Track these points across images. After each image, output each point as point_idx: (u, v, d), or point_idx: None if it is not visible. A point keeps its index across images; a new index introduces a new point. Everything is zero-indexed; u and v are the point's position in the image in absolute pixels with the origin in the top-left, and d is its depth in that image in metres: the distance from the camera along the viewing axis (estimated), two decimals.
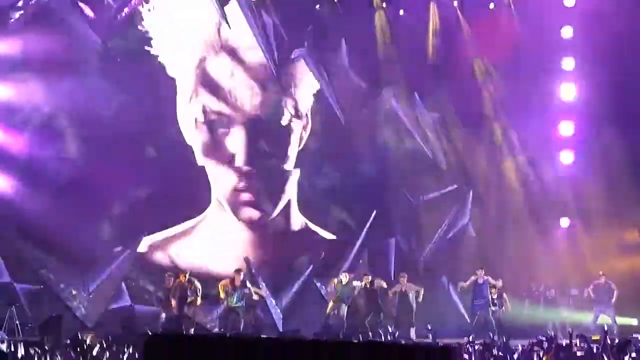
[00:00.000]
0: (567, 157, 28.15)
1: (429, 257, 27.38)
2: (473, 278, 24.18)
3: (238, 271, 23.36)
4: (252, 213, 26.50)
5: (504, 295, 24.36)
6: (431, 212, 27.93)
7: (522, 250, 26.81)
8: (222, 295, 22.93)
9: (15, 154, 23.92)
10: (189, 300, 22.43)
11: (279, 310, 25.76)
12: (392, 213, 27.72)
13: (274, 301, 25.86)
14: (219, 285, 23.00)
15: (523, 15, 27.20)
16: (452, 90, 27.51)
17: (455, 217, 28.07)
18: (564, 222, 28.07)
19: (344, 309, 23.76)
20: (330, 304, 24.09)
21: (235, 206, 26.28)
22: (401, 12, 28.01)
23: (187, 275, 22.72)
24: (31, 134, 24.09)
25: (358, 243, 27.43)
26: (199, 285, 22.62)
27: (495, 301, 24.16)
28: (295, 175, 26.82)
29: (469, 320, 24.64)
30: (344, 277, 24.26)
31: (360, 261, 27.12)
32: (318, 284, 26.51)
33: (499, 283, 24.11)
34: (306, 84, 26.93)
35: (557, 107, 28.14)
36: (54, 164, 24.29)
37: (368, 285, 24.30)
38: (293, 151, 26.77)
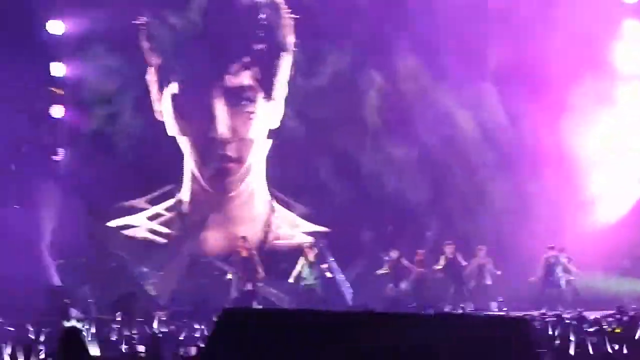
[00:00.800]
0: None
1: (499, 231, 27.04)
2: (545, 257, 24.12)
3: (311, 247, 23.57)
4: None
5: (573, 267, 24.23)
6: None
7: (596, 222, 26.39)
8: (300, 270, 23.22)
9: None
10: (255, 274, 22.86)
11: (348, 285, 25.70)
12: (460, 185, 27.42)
13: (342, 276, 25.79)
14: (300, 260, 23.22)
15: None
16: None
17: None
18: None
19: (404, 283, 23.89)
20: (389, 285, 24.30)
21: None
22: None
23: (251, 249, 23.08)
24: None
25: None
26: (258, 260, 23.03)
27: (567, 275, 24.11)
28: None
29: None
30: (393, 254, 24.42)
31: (428, 233, 26.89)
32: (386, 258, 26.35)
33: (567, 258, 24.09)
34: None
35: None
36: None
37: (450, 256, 24.35)
38: None
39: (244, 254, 23.29)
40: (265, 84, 26.38)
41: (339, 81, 26.22)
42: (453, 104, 27.21)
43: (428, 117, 26.87)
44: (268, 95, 26.22)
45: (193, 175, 25.99)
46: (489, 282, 24.52)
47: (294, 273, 23.78)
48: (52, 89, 23.80)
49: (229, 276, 23.98)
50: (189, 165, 26.00)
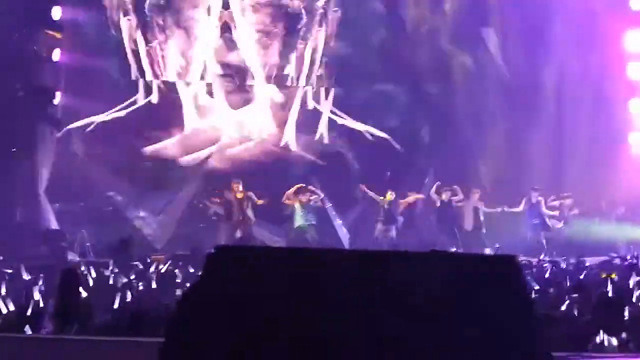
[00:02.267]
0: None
1: (495, 175, 27.02)
2: (525, 198, 24.11)
3: (303, 188, 23.51)
4: None
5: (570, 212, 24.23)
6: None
7: (591, 168, 26.37)
8: (297, 212, 23.18)
9: None
10: (245, 215, 22.87)
11: (345, 230, 25.71)
12: (457, 130, 27.40)
13: (340, 221, 25.79)
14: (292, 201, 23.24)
15: None
16: None
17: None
18: (633, 137, 27.52)
19: (393, 231, 23.80)
20: (378, 225, 24.16)
21: None
22: None
23: (240, 186, 23.06)
24: None
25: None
26: (255, 198, 22.99)
27: (556, 219, 24.12)
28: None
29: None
30: (389, 195, 24.23)
31: (427, 180, 26.88)
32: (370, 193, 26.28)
33: (558, 203, 24.07)
34: None
35: None
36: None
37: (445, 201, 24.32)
38: None
39: (238, 196, 23.20)
40: None
41: None
42: (452, 47, 27.27)
43: (425, 59, 26.93)
44: None
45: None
46: (483, 230, 24.48)
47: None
48: (50, 32, 23.62)
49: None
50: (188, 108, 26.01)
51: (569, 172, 26.37)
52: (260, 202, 23.19)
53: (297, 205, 23.60)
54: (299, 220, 23.48)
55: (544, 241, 23.91)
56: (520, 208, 24.34)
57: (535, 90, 27.14)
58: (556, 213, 24.43)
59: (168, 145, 25.75)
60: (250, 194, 23.40)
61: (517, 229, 24.78)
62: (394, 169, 26.85)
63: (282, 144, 26.55)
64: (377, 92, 27.10)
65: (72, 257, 20.49)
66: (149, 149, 25.51)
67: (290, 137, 26.60)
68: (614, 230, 24.86)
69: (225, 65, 26.17)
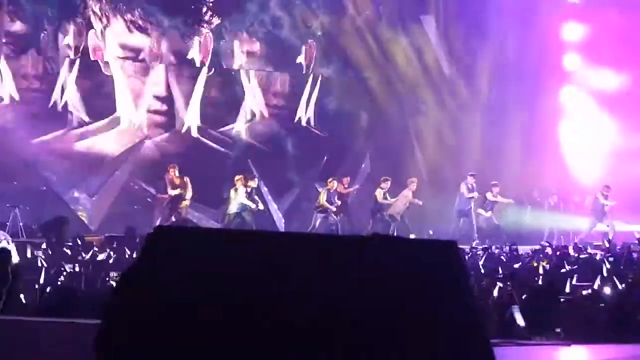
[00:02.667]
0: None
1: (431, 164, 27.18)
2: (463, 184, 24.27)
3: (246, 176, 23.48)
4: None
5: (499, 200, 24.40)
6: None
7: (524, 158, 26.68)
8: (234, 196, 23.10)
9: None
10: (181, 199, 22.78)
11: (280, 215, 25.73)
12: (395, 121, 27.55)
13: (275, 205, 25.81)
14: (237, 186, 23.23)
15: None
16: None
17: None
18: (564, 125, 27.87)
19: (333, 218, 23.79)
20: (315, 213, 24.21)
21: None
22: None
23: (177, 171, 22.92)
24: None
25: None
26: (189, 183, 22.89)
27: (486, 208, 24.31)
28: None
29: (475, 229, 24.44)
30: (330, 184, 24.12)
31: (363, 166, 27.01)
32: (320, 189, 26.39)
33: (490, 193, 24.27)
34: None
35: None
36: None
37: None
38: None
39: (175, 180, 23.05)
40: None
41: None
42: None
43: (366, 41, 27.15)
44: None
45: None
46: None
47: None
48: None
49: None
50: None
51: (502, 160, 26.58)
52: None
53: (235, 190, 23.45)
54: (234, 205, 23.31)
55: (475, 228, 24.02)
56: (465, 195, 24.36)
57: (472, 78, 27.38)
58: (493, 199, 24.48)
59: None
60: (186, 178, 23.21)
61: (449, 216, 24.88)
62: (330, 155, 26.95)
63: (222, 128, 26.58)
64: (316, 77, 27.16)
65: (4, 236, 20.21)
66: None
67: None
68: (546, 219, 25.17)
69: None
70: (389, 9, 27.56)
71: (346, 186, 24.49)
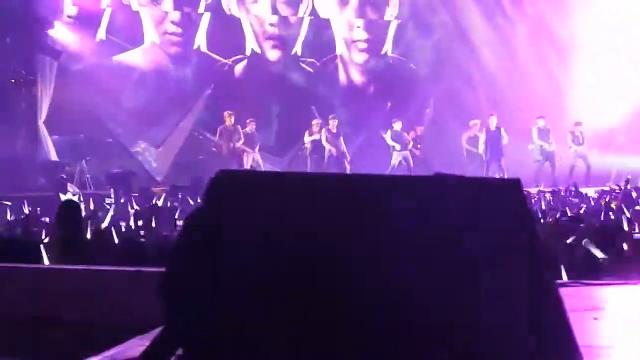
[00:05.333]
0: None
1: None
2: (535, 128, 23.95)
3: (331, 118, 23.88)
4: None
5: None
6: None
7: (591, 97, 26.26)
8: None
9: None
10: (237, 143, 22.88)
11: (348, 159, 25.65)
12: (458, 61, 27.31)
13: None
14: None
15: None
16: None
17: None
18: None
19: (408, 157, 23.79)
20: (394, 155, 24.17)
21: None
22: None
23: (233, 118, 23.00)
24: None
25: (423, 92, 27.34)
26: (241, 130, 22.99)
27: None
28: None
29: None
30: (396, 125, 24.17)
31: (427, 110, 26.87)
32: (385, 135, 26.30)
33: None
34: None
35: None
36: None
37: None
38: None
39: (230, 126, 23.12)
40: None
41: None
42: None
43: None
44: None
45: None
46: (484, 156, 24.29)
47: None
48: None
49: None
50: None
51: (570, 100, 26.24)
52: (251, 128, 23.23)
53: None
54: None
55: (556, 171, 23.70)
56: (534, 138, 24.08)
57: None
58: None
59: None
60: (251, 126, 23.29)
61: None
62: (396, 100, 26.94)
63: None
64: None
65: (72, 189, 20.45)
66: None
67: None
68: (613, 160, 24.77)
69: None
70: None
71: (419, 133, 24.57)
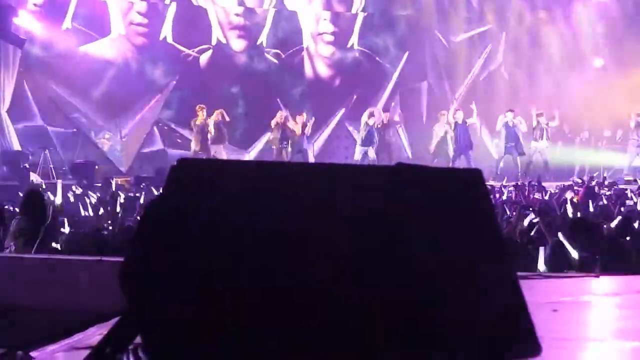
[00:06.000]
0: None
1: (461, 99, 27.07)
2: (504, 120, 23.96)
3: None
4: None
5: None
6: (464, 54, 27.66)
7: (555, 92, 26.46)
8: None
9: None
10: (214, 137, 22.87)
11: (311, 154, 25.68)
12: (425, 55, 27.42)
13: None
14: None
15: None
16: None
17: (488, 58, 27.77)
18: (597, 62, 27.59)
19: (372, 152, 23.81)
20: (357, 148, 24.25)
21: None
22: None
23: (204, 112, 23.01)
24: None
25: (391, 85, 27.35)
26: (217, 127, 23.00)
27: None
28: None
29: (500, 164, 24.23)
30: (366, 117, 24.24)
31: (393, 104, 26.92)
32: (350, 128, 26.40)
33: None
34: None
35: None
36: None
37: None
38: None
39: (201, 121, 23.09)
40: None
41: None
42: None
43: None
44: None
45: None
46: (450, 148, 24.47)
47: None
48: None
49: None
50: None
51: (535, 92, 26.43)
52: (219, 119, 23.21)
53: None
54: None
55: (518, 164, 23.82)
56: (497, 128, 24.23)
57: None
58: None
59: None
60: (219, 114, 23.26)
61: (477, 153, 24.75)
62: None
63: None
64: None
65: (35, 178, 20.35)
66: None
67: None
68: (577, 155, 25.00)
69: None
70: None
71: (386, 121, 24.61)
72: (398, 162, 2.97)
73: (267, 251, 2.60)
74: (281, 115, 24.15)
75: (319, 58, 27.40)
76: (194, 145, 23.16)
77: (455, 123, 23.84)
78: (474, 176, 2.81)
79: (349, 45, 27.55)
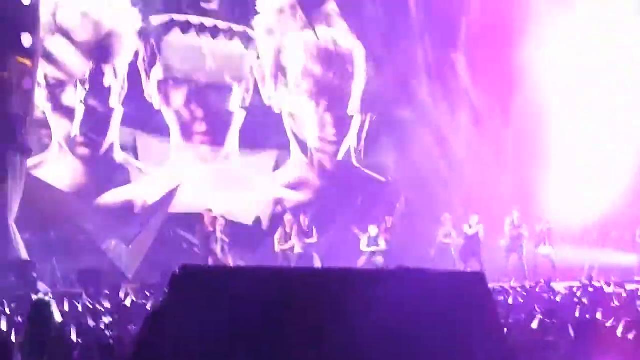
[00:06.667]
0: None
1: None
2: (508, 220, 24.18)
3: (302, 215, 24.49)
4: None
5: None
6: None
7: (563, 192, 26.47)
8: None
9: None
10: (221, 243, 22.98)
11: (318, 257, 25.63)
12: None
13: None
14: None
15: None
16: None
17: None
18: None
19: (380, 260, 24.00)
20: (362, 257, 24.41)
21: None
22: None
23: (215, 222, 23.16)
24: None
25: None
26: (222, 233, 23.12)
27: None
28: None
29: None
30: (372, 230, 24.64)
31: (398, 205, 27.07)
32: (356, 231, 26.40)
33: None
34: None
35: None
36: None
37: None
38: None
39: (209, 227, 23.33)
40: None
41: None
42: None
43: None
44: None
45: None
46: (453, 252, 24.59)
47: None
48: (21, 59, 23.36)
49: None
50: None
51: (541, 194, 26.43)
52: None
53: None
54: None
55: (525, 266, 24.00)
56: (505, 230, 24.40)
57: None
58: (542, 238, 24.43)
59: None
60: (221, 221, 23.52)
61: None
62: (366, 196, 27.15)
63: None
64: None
65: (43, 287, 20.30)
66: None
67: None
68: (585, 255, 24.94)
69: None
70: None
71: (389, 226, 24.74)
72: (400, 265, 2.98)
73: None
74: (289, 219, 24.42)
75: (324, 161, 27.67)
76: (198, 251, 23.31)
77: (468, 227, 24.06)
78: (478, 279, 2.80)
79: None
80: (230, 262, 23.53)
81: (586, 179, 26.55)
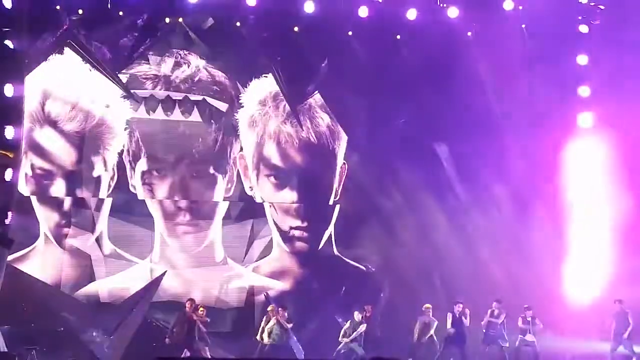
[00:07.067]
0: None
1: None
2: (490, 311, 24.30)
3: (282, 307, 24.63)
4: None
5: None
6: None
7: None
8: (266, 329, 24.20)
9: None
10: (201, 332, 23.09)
11: (300, 347, 25.66)
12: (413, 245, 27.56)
13: (294, 337, 25.75)
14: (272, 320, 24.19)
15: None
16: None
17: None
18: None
19: (360, 350, 24.05)
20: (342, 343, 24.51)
21: None
22: None
23: (196, 312, 23.34)
24: None
25: None
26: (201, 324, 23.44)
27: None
28: None
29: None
30: (357, 316, 24.72)
31: (382, 294, 27.14)
32: (339, 320, 26.39)
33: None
34: None
35: None
36: None
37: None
38: None
39: (190, 315, 23.51)
40: None
41: None
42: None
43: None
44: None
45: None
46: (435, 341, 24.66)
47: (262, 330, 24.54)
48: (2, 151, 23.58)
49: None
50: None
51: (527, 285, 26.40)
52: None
53: (270, 322, 24.46)
54: (271, 337, 24.36)
55: (507, 357, 24.11)
56: (484, 321, 24.48)
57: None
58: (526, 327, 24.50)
59: None
60: (202, 311, 23.73)
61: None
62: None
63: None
64: None
65: None
66: None
67: None
68: (565, 343, 24.92)
69: None
70: None
71: (368, 314, 24.79)
72: (373, 358, 3.08)
73: None
74: (272, 308, 24.60)
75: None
76: (177, 339, 23.46)
77: (453, 316, 24.15)
78: None
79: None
80: (208, 353, 23.58)
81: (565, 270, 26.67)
